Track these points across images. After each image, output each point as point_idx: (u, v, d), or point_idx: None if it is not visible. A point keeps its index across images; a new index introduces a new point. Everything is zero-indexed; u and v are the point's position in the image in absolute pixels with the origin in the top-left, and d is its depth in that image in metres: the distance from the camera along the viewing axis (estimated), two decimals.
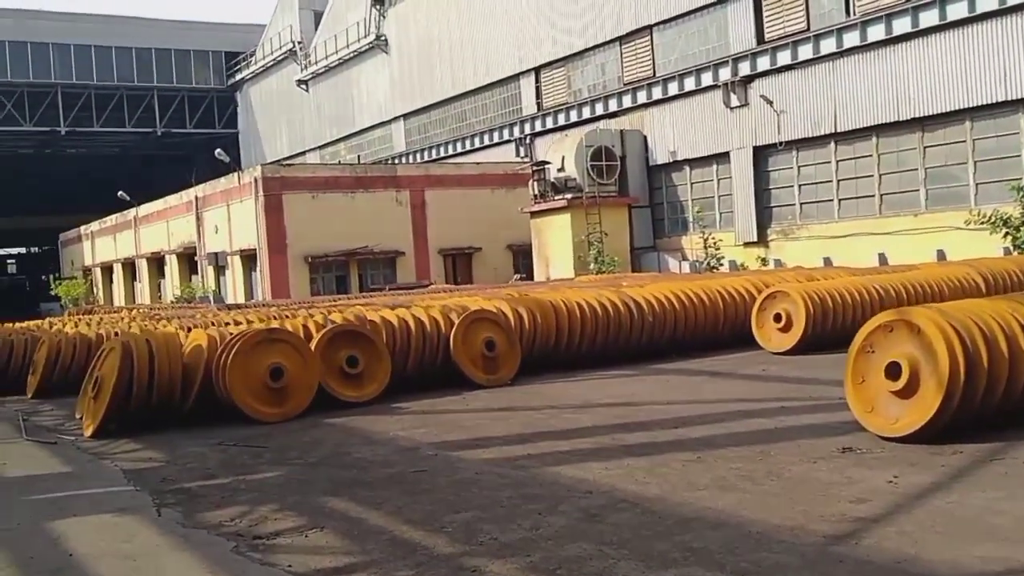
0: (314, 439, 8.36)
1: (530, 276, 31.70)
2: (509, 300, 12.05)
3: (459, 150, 41.50)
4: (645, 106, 31.84)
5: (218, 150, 37.43)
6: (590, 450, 7.03)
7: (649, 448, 6.91)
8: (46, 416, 11.42)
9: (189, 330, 11.48)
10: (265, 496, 6.27)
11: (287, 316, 15.22)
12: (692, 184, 30.81)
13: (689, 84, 30.01)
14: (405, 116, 46.00)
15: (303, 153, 53.87)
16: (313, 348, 9.94)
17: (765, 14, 27.71)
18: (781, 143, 27.15)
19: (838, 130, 25.62)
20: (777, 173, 27.92)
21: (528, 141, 37.34)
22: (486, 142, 40.02)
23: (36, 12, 60.40)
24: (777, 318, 12.25)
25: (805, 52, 26.34)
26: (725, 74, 28.61)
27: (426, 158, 42.91)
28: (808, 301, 12.02)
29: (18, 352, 14.32)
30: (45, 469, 7.87)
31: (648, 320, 12.46)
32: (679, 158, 30.74)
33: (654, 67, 31.60)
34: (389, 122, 47.25)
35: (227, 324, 14.50)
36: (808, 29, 26.42)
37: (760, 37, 27.79)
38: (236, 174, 33.39)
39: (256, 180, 31.21)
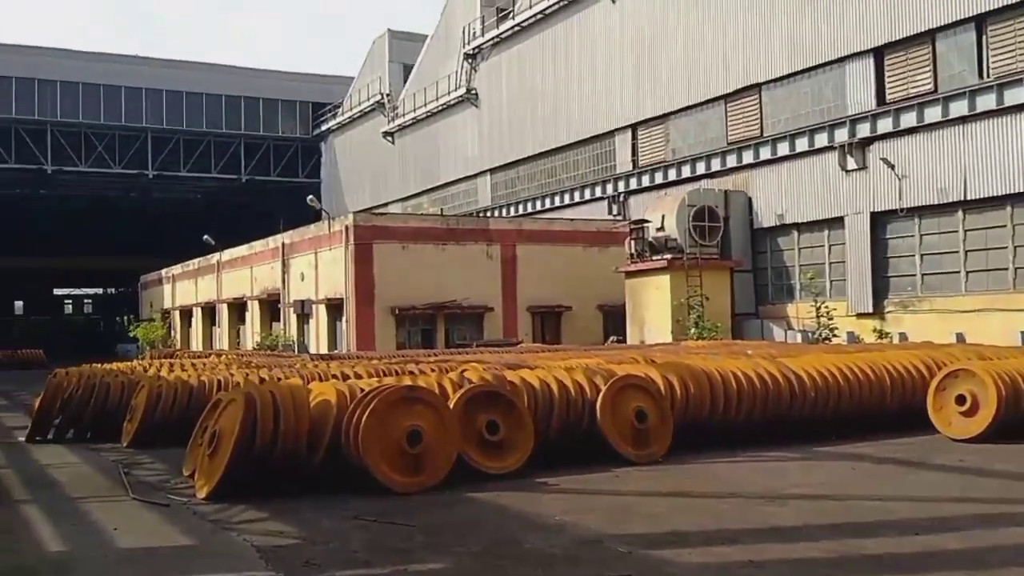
0: (466, 519, 7.17)
1: (623, 339, 30.36)
2: (657, 366, 10.80)
3: (548, 206, 40.62)
4: (751, 166, 30.59)
5: (310, 196, 37.11)
6: (829, 561, 5.69)
7: (908, 563, 5.56)
8: (148, 469, 10.43)
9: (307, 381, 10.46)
10: None
11: (397, 371, 14.18)
12: (800, 249, 29.33)
13: (801, 145, 28.71)
14: (492, 170, 45.39)
15: (385, 205, 53.58)
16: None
17: (887, 74, 26.38)
18: (902, 209, 25.60)
19: (968, 197, 24.02)
20: (896, 241, 26.32)
21: (621, 199, 36.28)
22: (576, 199, 39.07)
23: (130, 57, 61.87)
24: (960, 400, 10.78)
25: (932, 114, 24.89)
26: (841, 135, 27.27)
27: (512, 213, 42.11)
28: (999, 382, 10.54)
29: (114, 396, 13.45)
30: (163, 540, 6.79)
31: (810, 395, 11.08)
32: (787, 221, 29.34)
33: (762, 126, 30.40)
34: (475, 176, 46.70)
35: (335, 377, 13.51)
36: (936, 90, 25.00)
37: (881, 98, 26.44)
38: (326, 222, 32.87)
39: (347, 228, 30.61)
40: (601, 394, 9.78)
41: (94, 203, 67.34)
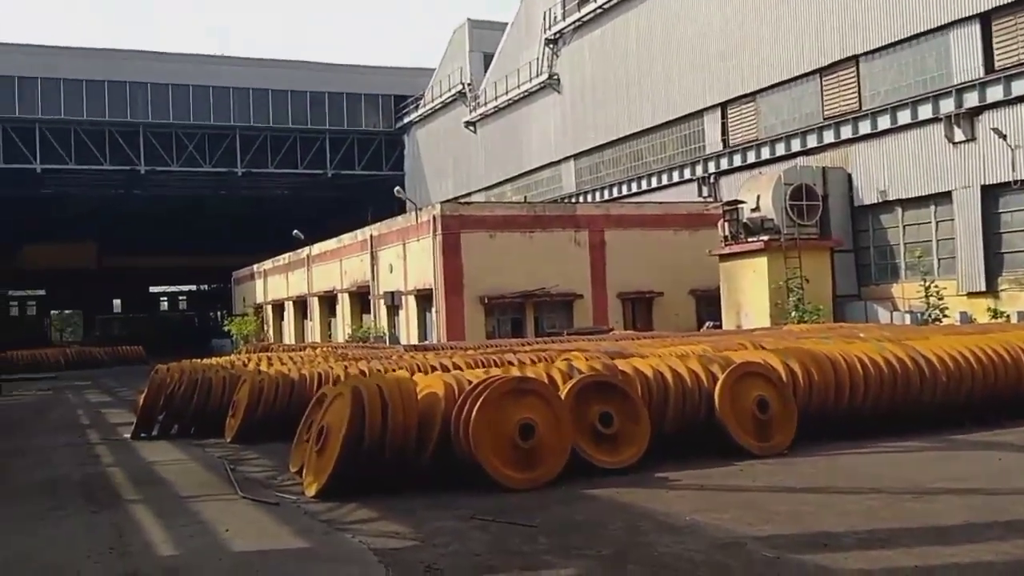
0: (589, 519, 6.74)
1: (719, 324, 29.53)
2: (777, 352, 10.19)
3: (634, 190, 39.85)
4: (849, 142, 29.37)
5: (397, 188, 37.11)
6: (1007, 566, 5.10)
7: None
8: (253, 466, 10.29)
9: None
10: None
11: (496, 362, 13.85)
12: (905, 226, 28.05)
13: (903, 117, 27.41)
14: (576, 156, 44.78)
15: (469, 194, 53.43)
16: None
17: (995, 40, 24.95)
18: (1017, 182, 24.20)
19: None
20: (1010, 215, 24.92)
21: (712, 180, 35.33)
22: (664, 182, 38.23)
23: (217, 58, 63.01)
24: None
25: None
26: (947, 106, 25.91)
27: (598, 199, 41.47)
28: None
29: (216, 391, 13.43)
30: (276, 542, 6.53)
31: (941, 380, 10.33)
32: (890, 198, 28.08)
33: (860, 99, 29.15)
34: (559, 162, 46.16)
35: (434, 368, 13.23)
36: None
37: (989, 65, 25.02)
38: (413, 213, 32.78)
39: (434, 218, 30.45)
40: (719, 383, 9.24)
41: (186, 202, 68.97)
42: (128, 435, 13.62)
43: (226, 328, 52.69)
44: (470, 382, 8.58)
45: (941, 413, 10.45)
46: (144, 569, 5.93)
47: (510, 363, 13.76)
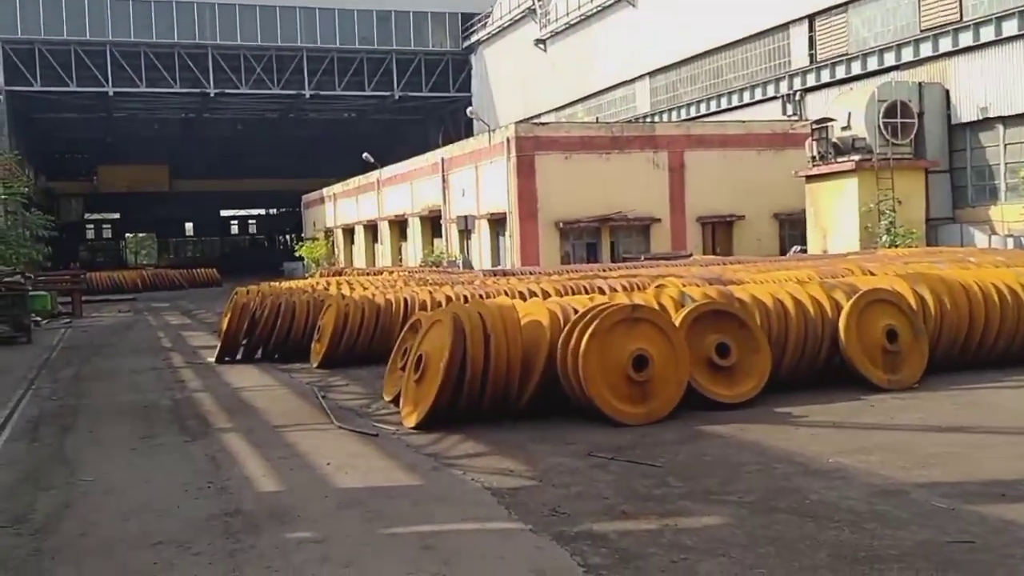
0: (719, 460, 6.17)
1: (806, 249, 28.41)
2: (903, 278, 9.39)
3: (713, 109, 38.32)
4: (948, 55, 27.60)
5: (470, 108, 36.24)
6: None
7: None
8: (344, 393, 9.93)
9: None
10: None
11: (586, 288, 13.24)
12: (1007, 145, 26.42)
13: (1009, 28, 25.56)
14: (651, 74, 43.21)
15: (538, 116, 52.22)
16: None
17: None
18: None
19: None
20: None
21: (797, 98, 33.72)
22: (746, 100, 36.63)
23: None
24: None
25: None
26: None
27: (674, 119, 40.07)
28: None
29: (300, 316, 13.11)
30: (384, 477, 6.11)
31: None
32: (991, 115, 26.42)
33: (961, 10, 27.25)
34: (633, 81, 44.65)
35: (521, 294, 12.71)
36: None
37: None
38: (486, 134, 31.97)
39: (508, 140, 29.61)
40: (845, 311, 8.52)
41: (255, 125, 68.97)
42: (212, 359, 13.44)
43: (297, 252, 52.87)
44: (576, 310, 8.01)
45: None
46: (246, 506, 5.56)
47: (601, 289, 13.15)
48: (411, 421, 7.66)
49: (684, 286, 11.69)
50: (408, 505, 5.38)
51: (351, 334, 12.01)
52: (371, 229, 46.40)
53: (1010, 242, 23.91)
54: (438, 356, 7.57)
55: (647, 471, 5.93)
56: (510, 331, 7.63)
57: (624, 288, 13.24)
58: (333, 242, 52.53)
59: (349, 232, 50.33)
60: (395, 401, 8.65)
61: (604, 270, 20.45)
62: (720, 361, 7.91)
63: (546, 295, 12.70)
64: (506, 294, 12.76)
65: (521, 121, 33.33)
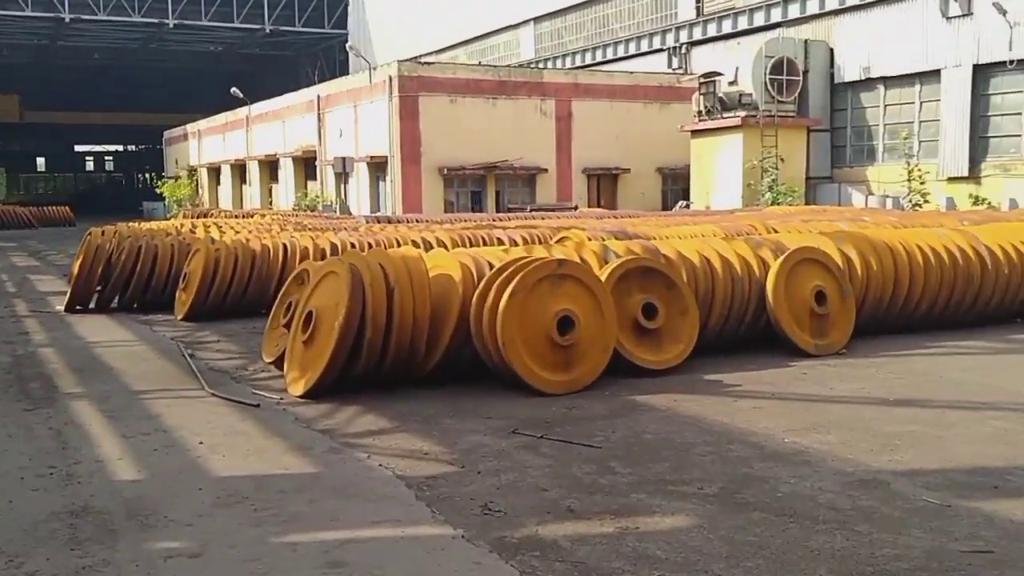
0: (661, 439, 5.42)
1: (689, 204, 28.27)
2: (828, 236, 8.87)
3: (599, 59, 37.72)
4: (834, 13, 27.71)
5: (349, 44, 34.39)
6: None
7: None
8: (215, 352, 8.75)
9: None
10: None
11: (484, 239, 12.34)
12: (886, 106, 26.81)
13: None
14: (536, 20, 42.23)
15: (419, 57, 50.56)
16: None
17: None
18: (1012, 61, 22.98)
19: None
20: (1000, 98, 23.80)
21: (683, 51, 33.43)
22: (631, 51, 36.17)
23: None
24: None
25: None
26: None
27: (559, 67, 39.28)
28: None
29: (163, 261, 11.73)
30: (272, 464, 5.08)
31: (1004, 274, 9.17)
32: (872, 75, 26.71)
33: None
34: (517, 26, 43.56)
35: (416, 244, 11.72)
36: None
37: None
38: (367, 72, 30.37)
39: (391, 79, 28.18)
40: (773, 270, 7.92)
41: (113, 55, 64.41)
42: (61, 307, 11.94)
43: (158, 191, 49.89)
44: (491, 264, 7.10)
45: (996, 311, 9.36)
46: (99, 501, 4.47)
47: (500, 240, 12.30)
48: (298, 388, 6.63)
49: (588, 239, 10.96)
50: (305, 502, 4.40)
51: (222, 283, 10.78)
52: (239, 169, 44.08)
53: (888, 202, 24.27)
54: (332, 313, 6.54)
55: (585, 453, 5.12)
56: (417, 285, 6.66)
57: (525, 240, 12.44)
58: (197, 182, 49.82)
59: (215, 171, 47.77)
60: (277, 363, 7.59)
61: (495, 220, 19.63)
62: (647, 323, 7.17)
63: (442, 245, 11.76)
64: (398, 243, 11.76)
65: (405, 60, 31.81)
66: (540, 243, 12.37)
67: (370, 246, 11.62)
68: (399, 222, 17.50)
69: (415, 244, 11.80)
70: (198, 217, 25.97)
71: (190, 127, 51.94)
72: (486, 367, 6.83)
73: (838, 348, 7.96)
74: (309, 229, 15.05)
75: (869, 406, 6.16)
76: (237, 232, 14.07)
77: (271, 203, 39.67)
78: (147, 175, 55.49)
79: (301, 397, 6.56)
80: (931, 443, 5.24)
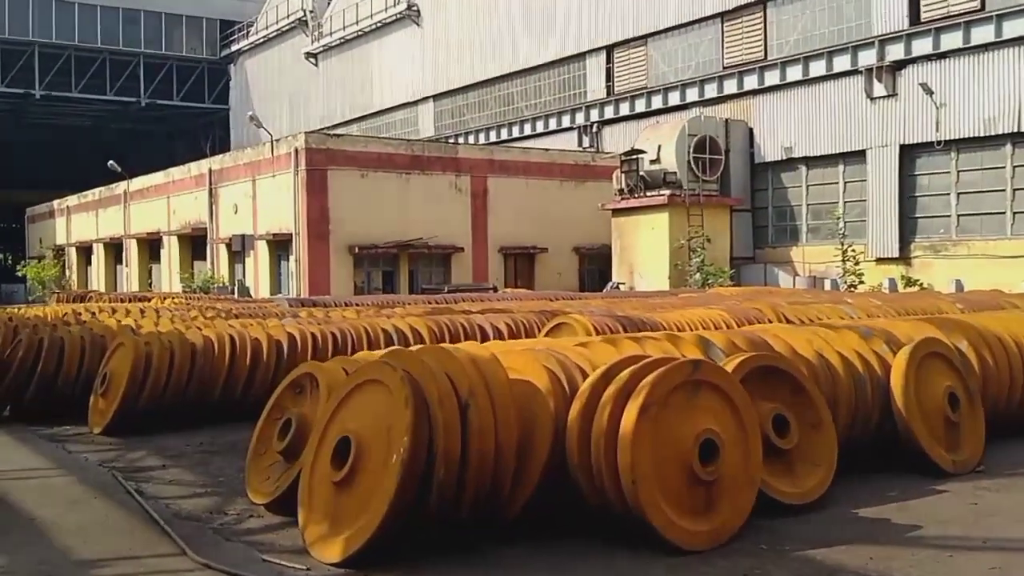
0: None
1: (618, 286, 27.04)
2: (937, 323, 7.44)
3: (504, 137, 36.76)
4: (753, 93, 27.52)
5: (250, 113, 32.18)
6: None
7: None
8: (164, 482, 6.52)
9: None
10: None
11: (463, 327, 10.47)
12: (809, 186, 26.53)
13: (816, 69, 25.74)
14: (436, 97, 41.14)
15: (322, 130, 48.61)
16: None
17: None
18: (940, 142, 22.96)
19: (1022, 129, 21.47)
20: (928, 178, 23.75)
21: (594, 130, 32.78)
22: (539, 129, 35.37)
23: None
24: None
25: (981, 35, 22.18)
26: (868, 58, 24.40)
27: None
28: None
29: (71, 358, 9.35)
30: None
31: None
32: (795, 155, 26.44)
33: (766, 48, 27.28)
34: (415, 103, 42.36)
35: (391, 334, 9.80)
36: (982, 8, 22.27)
37: (915, 16, 23.62)
38: (268, 144, 28.23)
39: (296, 151, 26.18)
40: (899, 367, 6.38)
41: None
42: None
43: (19, 272, 45.73)
44: (580, 368, 5.29)
45: None
46: None
47: (482, 329, 10.46)
48: (333, 552, 4.59)
49: (593, 326, 9.32)
50: None
51: (155, 386, 8.51)
52: (114, 248, 40.70)
53: (828, 284, 23.66)
54: (383, 443, 4.59)
55: None
56: (498, 400, 4.78)
57: (510, 327, 10.67)
58: (64, 262, 45.92)
59: (85, 251, 44.14)
60: (273, 506, 5.51)
61: (453, 302, 17.31)
62: (779, 442, 5.48)
63: (418, 337, 9.86)
64: (367, 332, 9.79)
65: (312, 132, 29.86)
66: (527, 331, 10.68)
67: (335, 338, 9.61)
68: (335, 305, 15.39)
69: (387, 333, 9.86)
70: (75, 301, 23.07)
71: (57, 203, 48.15)
72: (577, 509, 4.97)
73: (974, 465, 6.45)
74: (235, 315, 12.83)
75: None
76: (136, 320, 11.74)
77: (150, 284, 36.53)
78: (5, 255, 51.05)
79: (338, 566, 4.53)
80: None
